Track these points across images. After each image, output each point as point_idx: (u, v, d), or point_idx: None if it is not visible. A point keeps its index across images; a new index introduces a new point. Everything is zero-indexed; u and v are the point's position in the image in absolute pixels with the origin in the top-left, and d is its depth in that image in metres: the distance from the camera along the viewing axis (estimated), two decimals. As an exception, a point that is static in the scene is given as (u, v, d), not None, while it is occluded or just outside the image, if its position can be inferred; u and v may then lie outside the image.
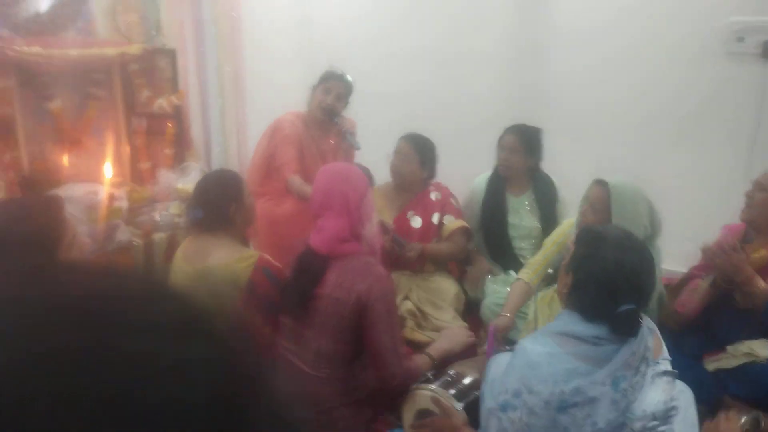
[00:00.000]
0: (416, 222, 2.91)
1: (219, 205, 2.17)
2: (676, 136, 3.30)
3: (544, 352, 1.49)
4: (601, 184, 2.39)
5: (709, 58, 3.14)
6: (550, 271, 2.43)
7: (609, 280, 1.49)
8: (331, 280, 1.93)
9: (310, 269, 1.97)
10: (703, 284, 2.24)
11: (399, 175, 2.93)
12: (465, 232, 2.96)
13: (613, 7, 3.30)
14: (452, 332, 2.42)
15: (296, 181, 2.94)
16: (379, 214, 2.21)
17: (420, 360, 2.08)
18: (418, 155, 2.90)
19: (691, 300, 2.24)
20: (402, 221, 2.91)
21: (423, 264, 2.90)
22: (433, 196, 2.96)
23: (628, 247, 1.53)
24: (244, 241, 2.37)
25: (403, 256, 2.73)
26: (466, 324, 2.75)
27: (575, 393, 1.43)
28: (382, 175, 2.99)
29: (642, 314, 1.54)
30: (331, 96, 3.01)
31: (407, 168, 2.90)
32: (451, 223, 2.92)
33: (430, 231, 2.91)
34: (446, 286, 2.88)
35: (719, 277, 2.16)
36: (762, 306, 2.05)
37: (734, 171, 3.11)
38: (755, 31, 3.02)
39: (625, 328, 1.48)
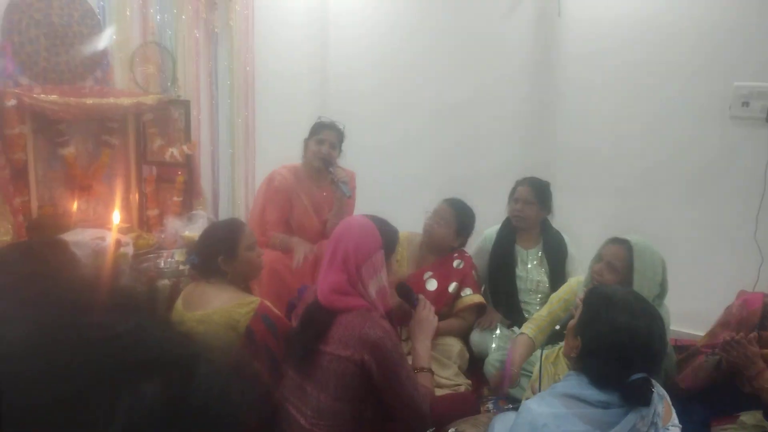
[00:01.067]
0: (432, 285, 2.86)
1: (209, 255, 2.22)
2: (685, 194, 3.30)
3: (550, 413, 1.45)
4: (620, 242, 2.33)
5: (714, 119, 3.17)
6: (557, 327, 2.38)
7: (620, 348, 1.45)
8: (335, 336, 1.89)
9: (314, 322, 1.94)
10: (707, 364, 2.19)
11: (431, 236, 2.93)
12: (479, 308, 2.92)
13: (621, 62, 3.35)
14: (419, 323, 2.16)
15: (277, 237, 3.00)
16: (397, 264, 2.16)
17: (425, 380, 2.03)
18: (456, 222, 2.91)
19: (695, 378, 2.19)
20: (418, 280, 2.87)
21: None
22: (455, 263, 2.93)
23: (639, 311, 1.49)
24: (246, 289, 2.35)
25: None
26: (469, 381, 2.69)
27: None
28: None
29: (653, 381, 1.50)
30: (326, 146, 3.06)
31: (442, 231, 2.91)
32: (468, 297, 2.88)
33: (443, 298, 2.85)
34: (450, 342, 2.83)
35: (726, 362, 2.11)
36: None
37: (743, 231, 3.10)
38: (760, 97, 3.06)
39: (636, 398, 1.44)
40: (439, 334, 2.72)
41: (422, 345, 2.10)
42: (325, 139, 3.06)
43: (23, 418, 0.37)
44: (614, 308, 1.49)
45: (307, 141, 3.13)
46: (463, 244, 2.99)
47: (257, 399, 0.50)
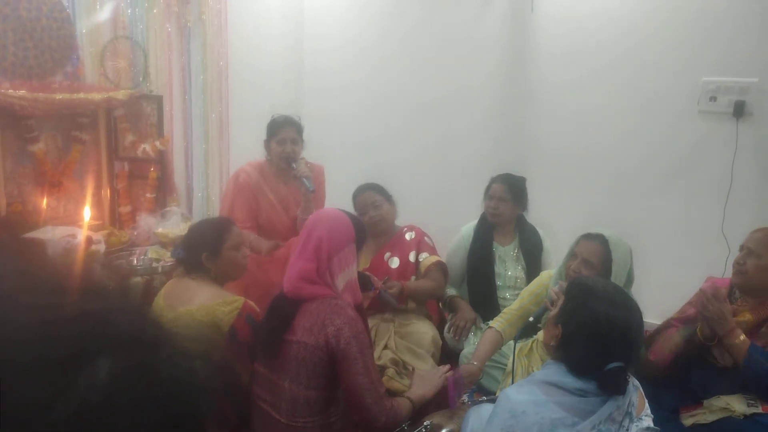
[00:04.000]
0: (394, 263, 2.97)
1: (193, 250, 2.22)
2: (655, 187, 3.36)
3: (529, 401, 1.47)
4: (593, 238, 2.37)
5: (684, 115, 3.23)
6: (531, 319, 2.42)
7: (600, 337, 1.48)
8: (300, 324, 1.91)
9: (279, 313, 1.96)
10: (677, 336, 2.24)
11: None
12: (440, 266, 3.00)
13: (594, 61, 3.40)
14: (427, 376, 2.38)
15: (249, 237, 2.96)
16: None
17: (401, 402, 2.04)
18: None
19: (663, 348, 2.24)
20: (380, 263, 2.96)
21: (404, 303, 2.90)
22: (407, 236, 3.04)
23: (618, 302, 1.53)
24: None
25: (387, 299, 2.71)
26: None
27: None
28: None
29: (629, 372, 1.54)
30: (288, 144, 3.04)
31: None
32: (426, 259, 2.98)
33: (408, 270, 2.96)
34: (423, 330, 2.86)
35: (702, 326, 2.16)
36: (741, 361, 2.05)
37: (712, 224, 3.16)
38: (727, 91, 3.13)
39: (612, 386, 1.47)
40: (408, 293, 2.86)
41: (419, 390, 2.21)
42: (286, 138, 3.04)
43: None
44: (595, 299, 1.53)
45: (267, 141, 3.11)
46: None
47: (229, 386, 0.51)
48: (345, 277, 1.99)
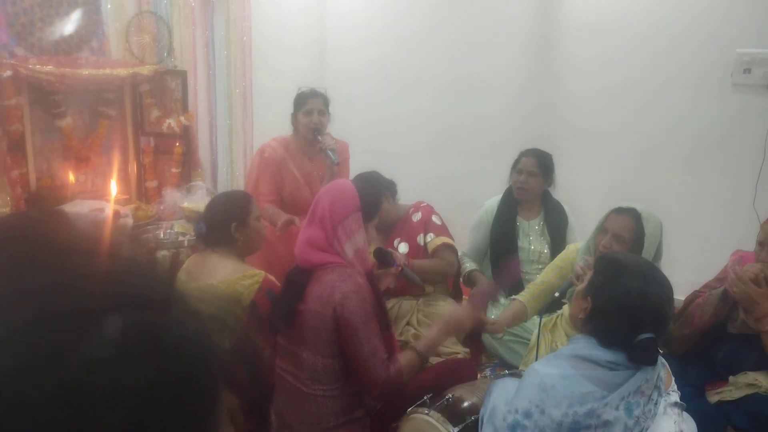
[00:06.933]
0: (404, 248, 2.86)
1: (221, 222, 2.22)
2: (684, 163, 3.29)
3: (558, 375, 1.47)
4: (625, 212, 2.31)
5: (716, 87, 3.15)
6: (556, 295, 2.39)
7: (632, 310, 1.47)
8: (312, 293, 1.93)
9: (293, 283, 1.99)
10: (711, 297, 2.14)
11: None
12: (448, 247, 2.90)
13: (621, 34, 3.32)
14: (444, 317, 2.16)
15: (268, 209, 2.97)
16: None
17: (405, 358, 1.94)
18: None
19: (702, 313, 2.15)
20: (391, 250, 2.86)
21: (421, 287, 2.86)
22: (414, 218, 2.94)
23: (650, 277, 1.51)
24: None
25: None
26: (467, 350, 2.72)
27: (589, 416, 1.42)
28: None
29: (659, 344, 1.52)
30: (315, 115, 3.03)
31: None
32: (433, 240, 2.88)
33: (419, 253, 2.87)
34: (447, 311, 2.84)
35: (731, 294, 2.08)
36: None
37: (741, 200, 3.09)
38: (762, 63, 3.03)
39: (643, 357, 1.46)
40: (416, 272, 2.58)
41: (437, 336, 2.04)
42: (313, 108, 3.04)
43: None
44: (627, 273, 1.51)
45: (294, 114, 3.11)
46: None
47: (247, 354, 0.52)
48: (353, 245, 1.99)
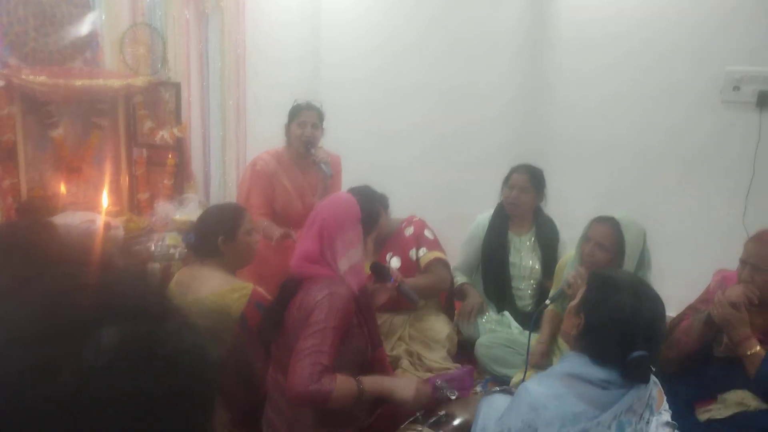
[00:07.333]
0: (396, 262, 2.85)
1: (209, 234, 2.22)
2: (675, 178, 3.32)
3: (549, 394, 1.47)
4: (605, 221, 2.37)
5: (706, 104, 3.18)
6: (547, 302, 2.43)
7: (625, 326, 1.47)
8: (297, 302, 1.93)
9: (283, 293, 2.00)
10: (696, 322, 2.19)
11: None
12: (441, 262, 2.88)
13: (613, 50, 3.35)
14: (405, 380, 2.10)
15: (262, 223, 2.96)
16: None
17: (344, 383, 1.82)
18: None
19: (688, 337, 2.19)
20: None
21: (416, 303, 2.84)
22: (407, 232, 2.93)
23: (643, 293, 1.52)
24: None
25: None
26: (458, 365, 2.70)
27: None
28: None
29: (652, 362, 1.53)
30: (308, 127, 3.04)
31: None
32: (425, 255, 2.87)
33: (412, 268, 2.85)
34: (439, 327, 2.84)
35: (715, 317, 2.12)
36: (753, 374, 2.02)
37: (731, 216, 3.12)
38: (751, 81, 3.07)
39: (636, 375, 1.46)
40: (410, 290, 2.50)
41: (383, 382, 1.97)
42: (307, 121, 3.05)
43: None
44: (619, 290, 1.52)
45: (288, 126, 3.11)
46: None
47: (241, 367, 0.52)
48: (349, 258, 1.98)
